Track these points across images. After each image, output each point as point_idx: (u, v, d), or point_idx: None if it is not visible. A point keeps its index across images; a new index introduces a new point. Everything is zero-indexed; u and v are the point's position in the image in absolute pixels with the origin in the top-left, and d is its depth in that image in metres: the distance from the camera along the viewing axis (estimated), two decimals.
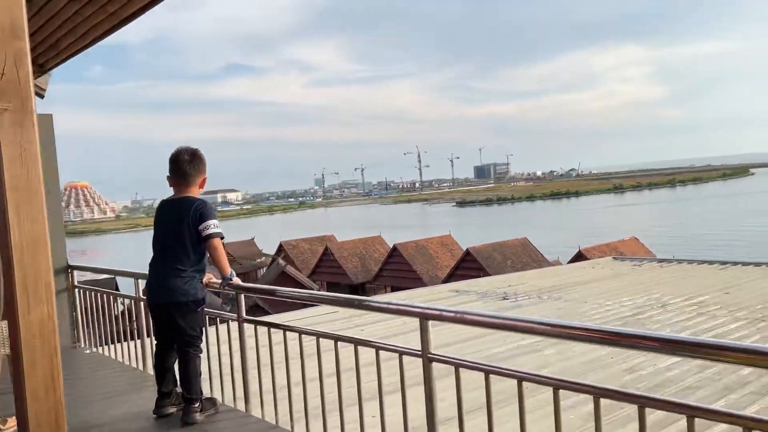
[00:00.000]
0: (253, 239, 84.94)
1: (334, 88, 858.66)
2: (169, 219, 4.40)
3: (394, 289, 57.97)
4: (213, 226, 4.23)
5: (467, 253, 51.36)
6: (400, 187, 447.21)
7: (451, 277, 51.20)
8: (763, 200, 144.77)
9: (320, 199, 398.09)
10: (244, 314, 4.41)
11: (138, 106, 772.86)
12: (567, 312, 7.36)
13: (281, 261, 56.25)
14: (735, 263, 11.37)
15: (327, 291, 58.57)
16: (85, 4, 3.89)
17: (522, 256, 53.49)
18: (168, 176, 4.43)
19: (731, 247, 76.26)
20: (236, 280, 4.41)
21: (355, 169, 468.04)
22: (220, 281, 4.41)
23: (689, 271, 10.94)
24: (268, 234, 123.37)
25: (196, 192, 4.44)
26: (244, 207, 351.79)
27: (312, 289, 50.36)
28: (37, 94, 5.09)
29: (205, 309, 4.55)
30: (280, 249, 70.53)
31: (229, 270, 4.32)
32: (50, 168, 4.81)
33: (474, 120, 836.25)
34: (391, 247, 59.71)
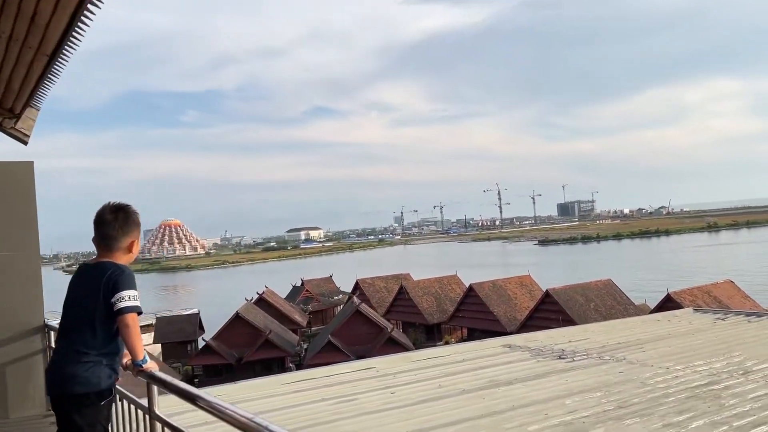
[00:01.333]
0: (331, 276, 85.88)
1: (413, 128, 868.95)
2: (77, 289, 3.50)
3: (470, 330, 56.46)
4: (128, 298, 3.34)
5: (547, 294, 49.35)
6: (480, 224, 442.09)
7: (529, 320, 49.25)
8: None
9: (399, 237, 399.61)
10: (156, 409, 3.26)
11: (229, 149, 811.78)
12: (627, 377, 6.50)
13: (356, 299, 56.16)
14: None
15: (402, 330, 57.80)
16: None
17: (606, 299, 50.82)
18: (93, 238, 3.57)
19: None
20: (150, 366, 3.40)
21: (434, 207, 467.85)
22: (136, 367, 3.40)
23: None
24: (346, 271, 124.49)
25: (121, 258, 3.52)
26: (326, 244, 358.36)
27: (386, 329, 49.83)
28: (18, 139, 4.97)
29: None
30: (357, 287, 70.73)
31: (141, 354, 3.38)
32: (28, 219, 4.27)
33: (555, 157, 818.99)
34: (467, 286, 58.40)
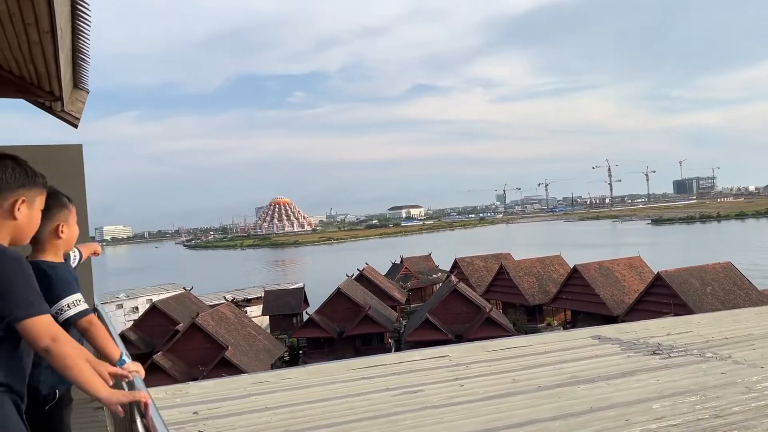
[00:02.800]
0: (430, 254, 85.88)
1: (518, 104, 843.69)
2: None
3: (574, 313, 54.47)
4: (73, 303, 2.69)
5: (658, 277, 46.51)
6: (588, 203, 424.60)
7: (638, 303, 46.74)
8: None
9: (501, 215, 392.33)
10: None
11: (333, 128, 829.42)
12: (730, 379, 5.74)
13: (453, 278, 55.79)
14: None
15: (502, 311, 56.81)
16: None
17: (725, 283, 47.20)
18: None
19: None
20: (132, 368, 2.69)
21: (539, 185, 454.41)
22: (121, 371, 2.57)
23: None
24: (446, 249, 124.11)
25: (49, 253, 2.84)
26: (426, 222, 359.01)
27: (484, 309, 49.17)
28: (68, 122, 5.03)
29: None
30: (455, 265, 70.24)
31: (119, 350, 2.75)
32: (78, 201, 4.07)
33: (671, 131, 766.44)
34: (572, 267, 56.30)
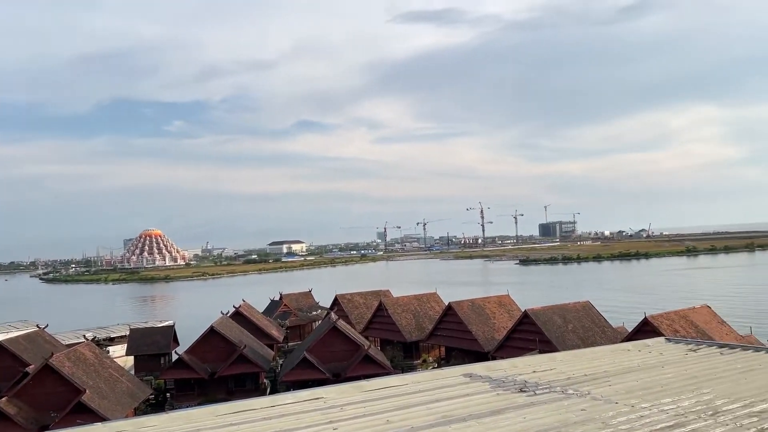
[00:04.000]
0: (310, 291, 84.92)
1: (400, 145, 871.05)
2: None
3: (449, 349, 55.82)
4: None
5: (525, 315, 48.89)
6: (462, 242, 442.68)
7: (507, 340, 48.77)
8: None
9: (381, 252, 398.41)
10: None
11: (214, 160, 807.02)
12: (589, 415, 6.06)
13: (333, 315, 55.35)
14: None
15: (380, 348, 56.95)
16: None
17: (584, 321, 50.50)
18: None
19: None
20: None
21: (417, 224, 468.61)
22: None
23: (754, 361, 9.21)
24: (327, 286, 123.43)
25: None
26: (308, 258, 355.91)
27: (362, 346, 49.05)
28: None
29: None
30: (336, 302, 69.87)
31: None
32: None
33: (539, 178, 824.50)
34: (446, 304, 57.88)
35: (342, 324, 52.04)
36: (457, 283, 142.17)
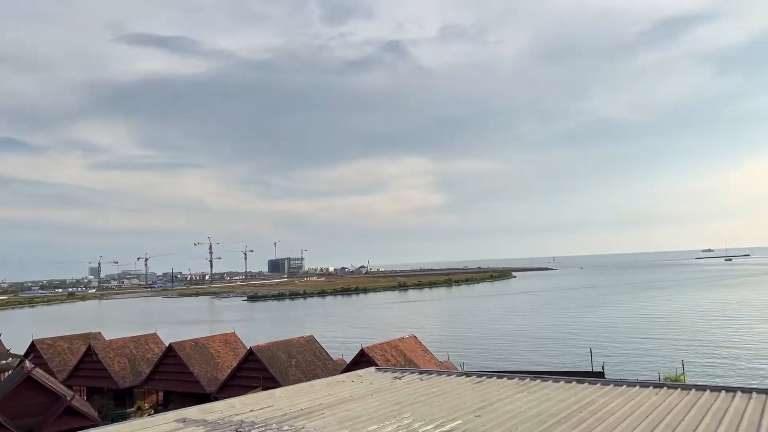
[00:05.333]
0: None
1: (120, 173, 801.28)
2: None
3: (167, 394, 52.36)
4: None
5: (250, 352, 48.52)
6: (189, 279, 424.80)
7: (231, 379, 47.71)
8: (522, 300, 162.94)
9: (94, 290, 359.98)
10: None
11: None
12: None
13: (28, 363, 47.87)
14: (491, 375, 11.38)
15: (87, 398, 50.88)
16: None
17: (307, 355, 52.02)
18: None
19: (488, 351, 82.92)
20: None
21: (138, 259, 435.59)
22: None
23: (447, 384, 10.59)
24: (22, 329, 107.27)
25: None
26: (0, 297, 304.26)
27: (64, 397, 43.24)
28: None
29: None
30: (32, 348, 60.63)
31: None
32: None
33: (270, 214, 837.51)
34: (167, 346, 54.42)
35: (39, 373, 45.34)
36: (180, 323, 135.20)
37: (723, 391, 13.81)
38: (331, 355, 54.25)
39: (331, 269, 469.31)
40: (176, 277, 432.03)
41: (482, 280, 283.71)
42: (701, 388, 14.16)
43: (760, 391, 13.61)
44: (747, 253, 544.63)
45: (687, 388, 14.35)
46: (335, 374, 19.22)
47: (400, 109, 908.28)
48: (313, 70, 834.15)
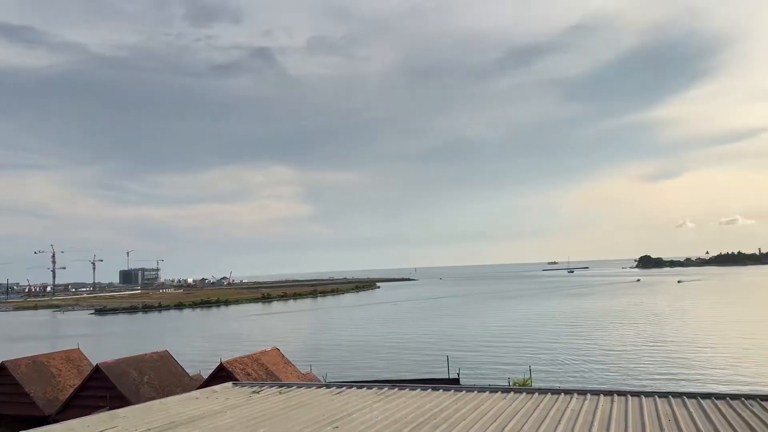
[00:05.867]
0: None
1: None
2: None
3: (0, 417, 47.20)
4: None
5: (97, 369, 45.05)
6: (27, 290, 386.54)
7: (73, 399, 44.01)
8: (385, 310, 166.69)
9: None
10: None
11: None
12: None
13: None
14: (351, 385, 11.51)
15: None
16: None
17: (161, 372, 49.26)
18: None
19: (352, 362, 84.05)
20: None
21: None
22: None
23: (306, 397, 10.52)
24: None
25: None
26: None
27: None
28: None
29: None
30: None
31: None
32: None
33: (122, 221, 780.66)
34: None
35: None
36: (15, 339, 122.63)
37: (562, 393, 15.01)
38: (188, 371, 51.88)
39: (190, 280, 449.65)
40: (12, 288, 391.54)
41: (347, 290, 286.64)
42: (543, 391, 15.29)
43: (593, 392, 14.96)
44: (586, 266, 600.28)
45: (531, 392, 15.44)
46: (191, 391, 18.41)
47: (267, 117, 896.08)
48: (176, 72, 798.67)
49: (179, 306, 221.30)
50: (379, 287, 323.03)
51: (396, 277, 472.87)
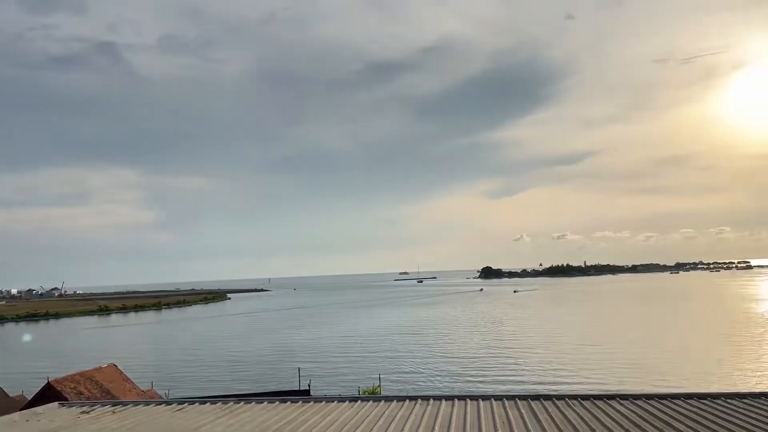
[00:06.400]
0: None
1: None
2: None
3: None
4: None
5: None
6: None
7: None
8: (235, 322, 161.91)
9: None
10: None
11: None
12: None
13: None
14: (193, 401, 10.92)
15: None
16: None
17: None
18: None
19: (198, 377, 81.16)
20: None
21: None
22: None
23: (143, 416, 9.82)
24: None
25: None
26: None
27: None
28: None
29: None
30: None
31: None
32: None
33: None
34: None
35: None
36: None
37: (407, 399, 15.53)
38: (9, 392, 46.64)
39: (14, 291, 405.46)
40: None
41: (195, 302, 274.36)
42: (390, 398, 15.71)
43: (436, 397, 15.65)
44: (434, 276, 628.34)
45: (378, 399, 15.80)
46: (11, 413, 16.52)
47: (110, 116, 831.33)
48: (6, 61, 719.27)
49: (1, 320, 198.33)
50: (230, 298, 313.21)
51: (249, 288, 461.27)
